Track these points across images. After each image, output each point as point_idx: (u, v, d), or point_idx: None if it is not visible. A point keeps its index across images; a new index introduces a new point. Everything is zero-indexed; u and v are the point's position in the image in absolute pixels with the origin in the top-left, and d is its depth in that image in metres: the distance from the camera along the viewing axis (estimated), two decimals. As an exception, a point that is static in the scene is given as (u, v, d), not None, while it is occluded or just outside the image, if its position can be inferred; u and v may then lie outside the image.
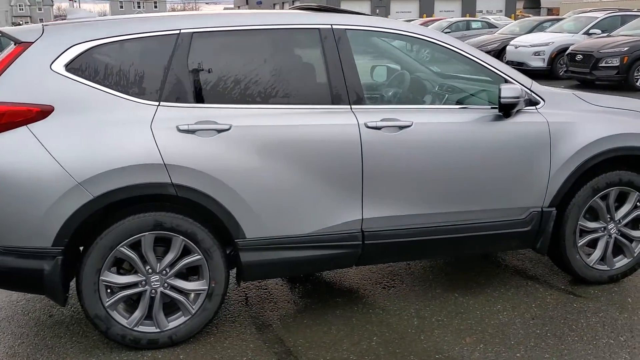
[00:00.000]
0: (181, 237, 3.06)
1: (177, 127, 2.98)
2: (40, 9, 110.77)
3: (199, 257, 3.11)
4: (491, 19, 33.95)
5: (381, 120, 3.24)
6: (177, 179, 2.96)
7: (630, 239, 3.85)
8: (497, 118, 3.43)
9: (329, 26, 3.29)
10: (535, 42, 15.76)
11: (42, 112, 2.87)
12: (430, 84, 4.00)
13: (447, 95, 3.78)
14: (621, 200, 3.78)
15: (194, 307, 3.17)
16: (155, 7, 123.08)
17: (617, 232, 3.80)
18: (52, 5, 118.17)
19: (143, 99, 3.01)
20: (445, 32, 22.76)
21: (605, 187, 3.67)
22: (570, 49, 13.90)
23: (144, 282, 3.08)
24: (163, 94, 3.03)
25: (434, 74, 4.05)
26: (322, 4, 3.63)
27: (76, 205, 2.86)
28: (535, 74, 15.60)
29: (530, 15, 41.16)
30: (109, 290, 3.05)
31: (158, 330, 3.13)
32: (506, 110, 3.36)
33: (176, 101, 3.04)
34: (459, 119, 3.39)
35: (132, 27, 3.09)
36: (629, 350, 3.10)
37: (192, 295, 3.17)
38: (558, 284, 3.88)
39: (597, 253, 3.80)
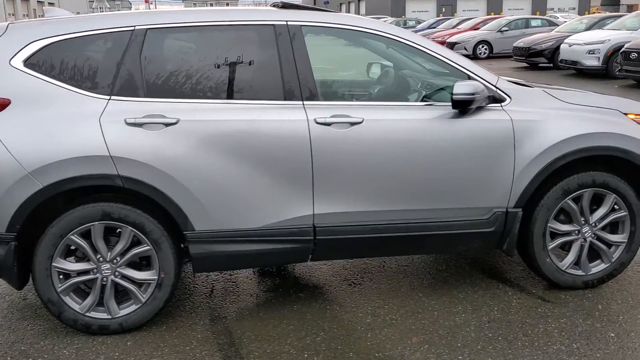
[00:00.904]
0: (130, 227, 3.16)
1: (125, 120, 3.08)
2: (119, 11, 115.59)
3: (148, 247, 3.20)
4: (559, 16, 32.80)
5: (331, 117, 3.24)
6: (124, 171, 3.06)
7: (609, 244, 3.67)
8: (457, 115, 3.35)
9: (284, 22, 3.32)
10: (590, 40, 15.08)
11: (0, 105, 3.04)
12: (396, 80, 3.94)
13: (412, 92, 3.72)
14: (599, 202, 3.62)
15: (144, 296, 3.27)
16: (227, 5, 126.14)
17: (592, 235, 3.63)
18: (131, 7, 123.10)
19: (95, 93, 3.13)
20: (503, 30, 22.23)
21: (577, 189, 3.52)
22: (625, 46, 13.25)
23: (95, 270, 3.20)
24: (115, 88, 3.14)
25: (403, 70, 3.98)
26: (289, 2, 3.64)
27: (27, 193, 3.01)
28: (589, 74, 15.01)
29: (607, 12, 39.31)
30: (61, 276, 3.19)
31: (109, 317, 3.25)
32: (461, 107, 3.28)
33: (127, 95, 3.14)
34: (415, 116, 3.34)
35: (89, 24, 3.21)
36: (578, 357, 2.97)
37: (143, 284, 3.27)
38: (530, 288, 3.74)
39: (570, 257, 3.65)
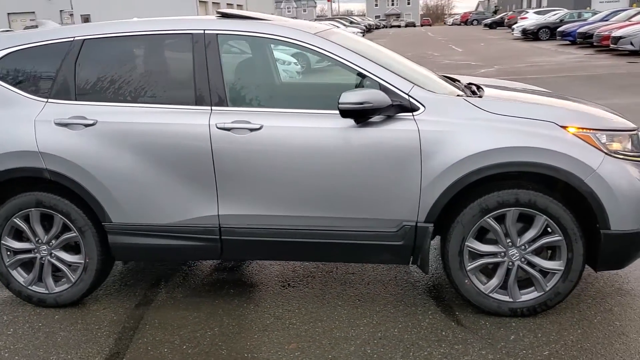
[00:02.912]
0: (59, 215, 3.59)
1: (54, 120, 3.51)
2: (305, 10, 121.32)
3: (74, 234, 3.61)
4: None
5: (232, 122, 3.36)
6: (50, 165, 3.49)
7: (544, 271, 3.31)
8: (361, 125, 3.26)
9: (202, 31, 3.50)
10: None
11: (-37, 107, 3.63)
12: (314, 88, 3.89)
13: (329, 99, 3.66)
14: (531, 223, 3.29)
15: (74, 277, 3.68)
16: (408, 3, 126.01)
17: (522, 259, 3.31)
18: (315, 7, 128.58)
19: (37, 97, 3.60)
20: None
21: (497, 207, 3.23)
22: None
23: (35, 250, 3.69)
24: (52, 92, 3.58)
25: (324, 78, 3.91)
26: (229, 12, 3.78)
27: (-25, 181, 3.58)
28: None
29: None
30: (9, 253, 3.71)
31: (47, 291, 3.72)
32: (351, 116, 3.20)
33: (61, 98, 3.57)
34: (316, 124, 3.32)
35: (40, 36, 3.68)
36: (432, 387, 2.79)
37: (73, 266, 3.69)
38: (456, 310, 3.51)
39: (494, 280, 3.36)
